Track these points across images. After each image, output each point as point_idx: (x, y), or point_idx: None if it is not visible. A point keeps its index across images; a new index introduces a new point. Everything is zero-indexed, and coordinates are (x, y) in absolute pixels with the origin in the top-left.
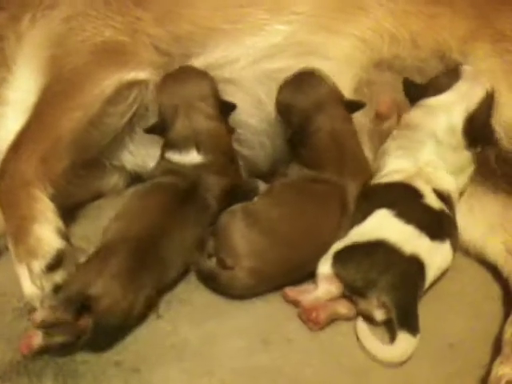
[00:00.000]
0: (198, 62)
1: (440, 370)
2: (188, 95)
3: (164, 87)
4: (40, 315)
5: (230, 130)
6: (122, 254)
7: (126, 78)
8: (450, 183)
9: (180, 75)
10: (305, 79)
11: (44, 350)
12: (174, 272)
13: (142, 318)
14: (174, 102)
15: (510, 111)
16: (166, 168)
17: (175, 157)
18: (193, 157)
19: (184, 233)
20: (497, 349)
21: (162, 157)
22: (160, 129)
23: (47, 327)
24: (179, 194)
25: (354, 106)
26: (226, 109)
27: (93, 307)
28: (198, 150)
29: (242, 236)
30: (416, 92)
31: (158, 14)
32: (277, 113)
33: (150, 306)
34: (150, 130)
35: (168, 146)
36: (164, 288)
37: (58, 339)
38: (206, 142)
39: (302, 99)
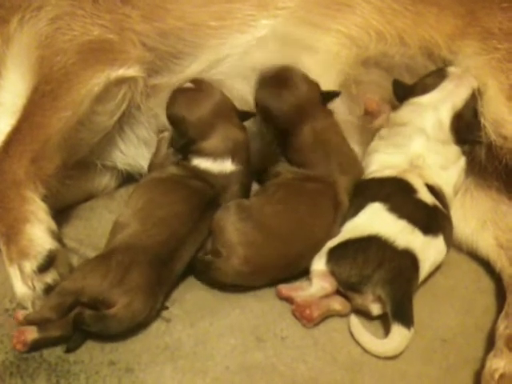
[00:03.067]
0: (186, 63)
1: (433, 366)
2: (220, 106)
3: (192, 101)
4: (23, 313)
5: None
6: (143, 266)
7: (115, 75)
8: (441, 177)
9: (202, 88)
10: (280, 83)
11: (39, 345)
12: (178, 276)
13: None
14: (209, 115)
15: (497, 108)
16: (192, 173)
17: (206, 164)
18: (227, 166)
19: (197, 242)
20: (490, 343)
21: (185, 161)
22: (190, 143)
23: (31, 324)
24: (205, 202)
25: (328, 97)
26: (244, 117)
27: (104, 313)
28: (233, 159)
29: (235, 228)
30: (404, 92)
31: (146, 11)
32: (258, 115)
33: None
34: (181, 147)
35: (198, 154)
36: (168, 293)
37: (54, 333)
38: (240, 152)
39: (281, 106)
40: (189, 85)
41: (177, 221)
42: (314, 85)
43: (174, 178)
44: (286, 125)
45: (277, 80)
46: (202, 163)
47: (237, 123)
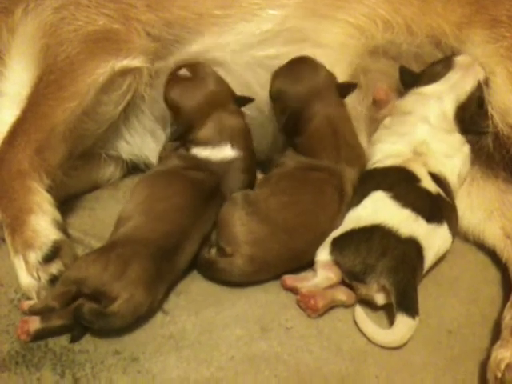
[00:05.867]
0: (189, 49)
1: (438, 356)
2: (214, 94)
3: (185, 90)
4: (28, 303)
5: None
6: (145, 259)
7: (119, 65)
8: (445, 166)
9: (196, 76)
10: (299, 66)
11: (42, 335)
12: (183, 269)
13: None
14: (202, 103)
15: (506, 97)
16: (192, 163)
17: (205, 153)
18: (226, 152)
19: (201, 234)
20: (496, 333)
21: (185, 151)
22: (185, 132)
23: (35, 314)
24: (206, 192)
25: (346, 89)
26: (242, 103)
27: (105, 306)
28: (232, 145)
29: (242, 224)
30: (411, 80)
31: (150, 0)
32: (271, 101)
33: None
34: (177, 138)
35: (195, 143)
36: (172, 285)
37: (56, 323)
38: (238, 138)
39: (297, 86)
40: (184, 72)
41: (178, 213)
42: (330, 73)
43: (174, 171)
44: (301, 109)
45: (293, 65)
46: (201, 152)
47: (233, 109)
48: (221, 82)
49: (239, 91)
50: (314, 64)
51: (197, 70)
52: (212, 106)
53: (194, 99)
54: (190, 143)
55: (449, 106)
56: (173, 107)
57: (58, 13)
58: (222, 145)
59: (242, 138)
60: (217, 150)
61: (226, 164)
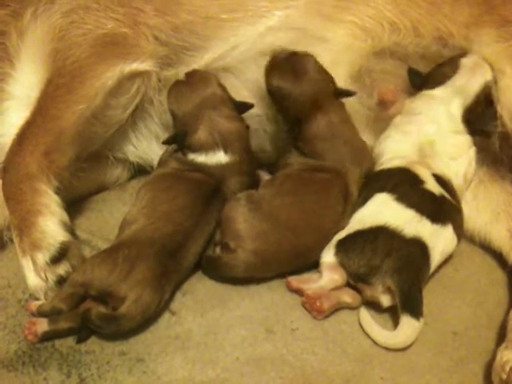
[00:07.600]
0: (198, 54)
1: (444, 358)
2: (207, 99)
3: (179, 95)
4: (35, 303)
5: (247, 128)
6: (150, 259)
7: (128, 69)
8: (449, 168)
9: (191, 81)
10: (295, 69)
11: (49, 337)
12: (189, 269)
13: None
14: (195, 108)
15: None
16: (191, 166)
17: (200, 158)
18: (220, 157)
19: (204, 233)
20: (501, 335)
21: (183, 156)
22: (181, 137)
23: (43, 315)
24: (207, 192)
25: (343, 94)
26: (242, 109)
27: (113, 308)
28: (226, 150)
29: (244, 220)
30: (419, 81)
31: (158, 5)
32: (268, 94)
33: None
34: (169, 141)
35: (191, 148)
36: (178, 285)
37: (63, 326)
38: (232, 143)
39: (294, 91)
40: (181, 78)
41: (180, 214)
42: (328, 75)
43: (174, 173)
44: (298, 112)
45: (291, 65)
46: (197, 157)
47: (228, 115)
48: (215, 86)
49: (249, 93)
50: (309, 65)
51: (192, 75)
52: (204, 110)
53: (185, 104)
54: (187, 149)
55: (456, 109)
56: (170, 112)
57: (68, 17)
58: (215, 150)
59: (237, 142)
60: (210, 155)
61: (221, 168)
